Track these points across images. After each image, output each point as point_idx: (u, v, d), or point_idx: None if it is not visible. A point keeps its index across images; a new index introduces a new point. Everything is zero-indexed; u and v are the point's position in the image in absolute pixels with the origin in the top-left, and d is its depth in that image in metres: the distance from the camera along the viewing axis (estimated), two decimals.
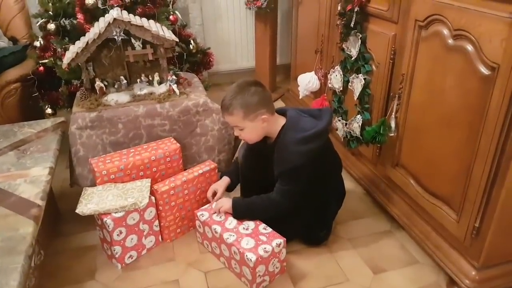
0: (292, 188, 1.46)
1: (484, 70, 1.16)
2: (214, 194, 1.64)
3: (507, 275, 1.37)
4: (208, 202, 1.66)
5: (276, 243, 1.42)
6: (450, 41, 1.27)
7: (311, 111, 1.57)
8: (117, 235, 1.48)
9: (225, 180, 1.67)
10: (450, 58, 1.28)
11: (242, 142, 1.71)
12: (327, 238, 1.65)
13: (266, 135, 1.51)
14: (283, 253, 1.47)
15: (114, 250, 1.50)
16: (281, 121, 1.49)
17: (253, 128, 1.46)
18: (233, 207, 1.52)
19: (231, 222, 1.52)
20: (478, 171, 1.23)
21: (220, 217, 1.54)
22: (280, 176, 1.46)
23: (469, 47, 1.20)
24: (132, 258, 1.57)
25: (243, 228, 1.49)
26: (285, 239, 1.45)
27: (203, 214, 1.57)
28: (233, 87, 1.46)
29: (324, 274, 1.52)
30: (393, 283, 1.48)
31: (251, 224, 1.51)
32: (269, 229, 1.49)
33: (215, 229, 1.50)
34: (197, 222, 1.61)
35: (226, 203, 1.54)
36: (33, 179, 1.41)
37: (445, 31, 1.28)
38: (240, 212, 1.53)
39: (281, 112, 1.52)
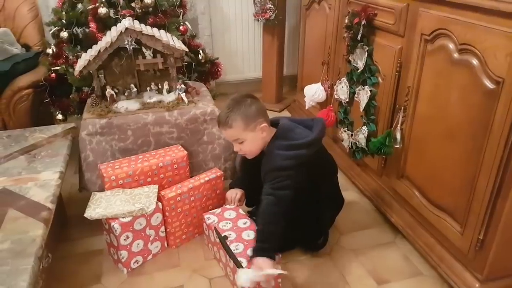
0: (276, 184, 1.38)
1: (489, 84, 1.17)
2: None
3: None
4: (214, 208, 1.69)
5: None
6: (456, 55, 1.29)
7: (304, 121, 1.57)
8: (124, 239, 1.50)
9: (240, 190, 1.66)
10: (455, 71, 1.30)
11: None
12: (325, 245, 1.66)
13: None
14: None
15: (121, 255, 1.52)
16: (274, 132, 1.50)
17: (254, 139, 1.46)
18: (257, 255, 1.30)
19: (235, 230, 1.53)
20: (483, 184, 1.24)
21: (226, 224, 1.56)
22: (265, 178, 1.44)
23: (474, 61, 1.22)
24: (138, 263, 1.59)
25: (244, 237, 1.50)
26: (280, 254, 1.43)
27: (209, 217, 1.60)
28: (229, 102, 1.46)
29: (327, 284, 1.52)
30: None
31: (251, 234, 1.51)
32: None
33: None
34: (204, 225, 1.64)
35: (263, 263, 1.29)
36: (43, 183, 1.43)
37: (451, 45, 1.30)
38: (265, 251, 1.32)
39: (275, 122, 1.53)
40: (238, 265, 1.37)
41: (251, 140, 1.46)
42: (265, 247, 1.32)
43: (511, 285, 1.37)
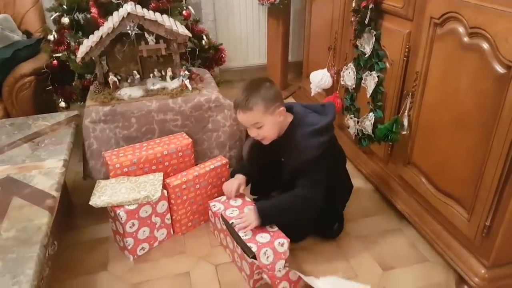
0: (314, 179, 1.43)
1: (500, 69, 1.15)
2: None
3: None
4: (219, 195, 1.68)
5: (279, 242, 1.41)
6: (466, 39, 1.26)
7: (314, 106, 1.56)
8: (130, 227, 1.50)
9: (242, 177, 1.63)
10: (465, 56, 1.27)
11: (246, 140, 1.71)
12: (341, 231, 1.66)
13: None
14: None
15: (127, 242, 1.52)
16: (289, 117, 1.49)
17: (272, 123, 1.43)
18: (260, 215, 1.42)
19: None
20: (491, 171, 1.22)
21: (233, 211, 1.55)
22: (298, 171, 1.45)
23: (485, 46, 1.19)
24: (144, 250, 1.59)
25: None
26: (288, 239, 1.42)
27: (215, 205, 1.59)
28: (246, 85, 1.44)
29: (333, 270, 1.52)
30: (402, 280, 1.48)
31: None
32: (275, 228, 1.47)
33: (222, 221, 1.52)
34: (210, 212, 1.63)
35: (251, 216, 1.43)
36: (47, 171, 1.43)
37: (461, 29, 1.27)
38: (268, 219, 1.44)
39: (287, 108, 1.51)
40: (248, 251, 1.37)
41: (270, 124, 1.43)
42: (272, 215, 1.44)
43: None
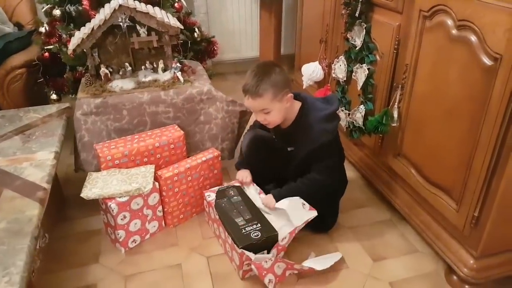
0: (329, 164, 1.47)
1: (487, 61, 1.16)
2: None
3: (505, 264, 1.38)
4: (211, 187, 1.69)
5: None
6: (454, 31, 1.27)
7: (317, 97, 1.59)
8: (121, 219, 1.50)
9: (247, 170, 1.65)
10: (453, 48, 1.28)
11: (245, 131, 1.72)
12: (334, 225, 1.68)
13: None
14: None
15: (118, 234, 1.52)
16: (297, 104, 1.50)
17: (280, 109, 1.44)
18: (276, 198, 1.50)
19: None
20: (479, 162, 1.24)
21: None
22: (311, 157, 1.46)
23: (473, 38, 1.20)
24: (135, 242, 1.60)
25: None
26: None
27: (210, 194, 1.61)
28: (256, 70, 1.42)
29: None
30: (392, 270, 1.50)
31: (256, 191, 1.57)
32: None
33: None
34: (205, 202, 1.65)
35: (271, 200, 1.52)
36: (38, 163, 1.42)
37: (449, 22, 1.28)
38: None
39: (294, 95, 1.51)
40: (237, 241, 1.38)
41: (277, 110, 1.44)
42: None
43: (505, 261, 1.38)
